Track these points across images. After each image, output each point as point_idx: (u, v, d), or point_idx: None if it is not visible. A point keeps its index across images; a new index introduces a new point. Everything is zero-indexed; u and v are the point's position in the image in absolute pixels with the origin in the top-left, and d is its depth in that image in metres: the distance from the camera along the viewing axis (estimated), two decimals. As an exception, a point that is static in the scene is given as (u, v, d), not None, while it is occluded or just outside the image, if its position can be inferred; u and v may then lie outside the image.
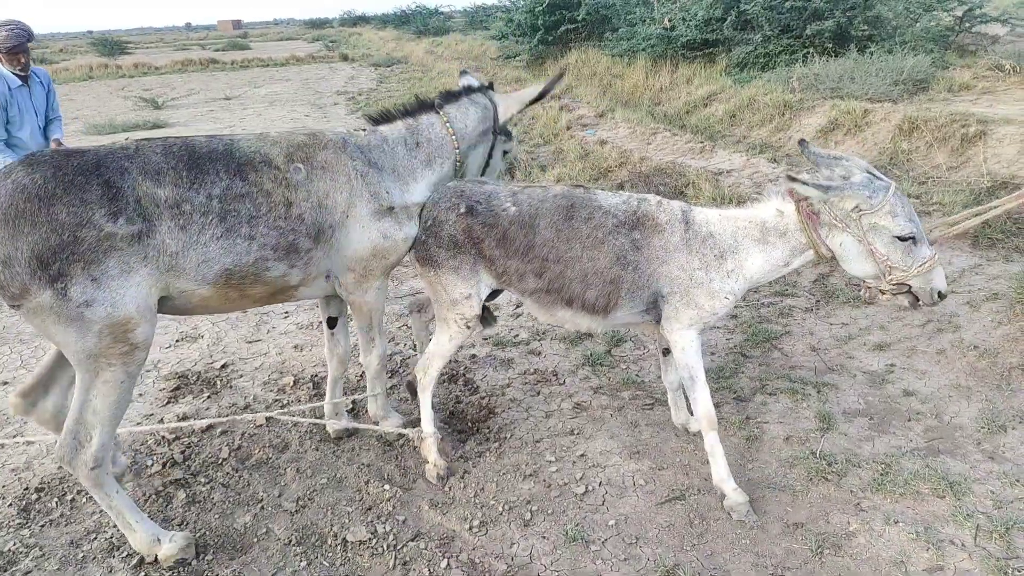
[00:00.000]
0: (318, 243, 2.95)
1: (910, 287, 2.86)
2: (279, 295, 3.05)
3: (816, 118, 9.40)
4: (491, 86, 3.63)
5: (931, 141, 7.61)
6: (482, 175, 3.59)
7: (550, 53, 18.63)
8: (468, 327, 3.26)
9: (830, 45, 11.87)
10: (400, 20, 48.21)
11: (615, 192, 3.27)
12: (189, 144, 2.77)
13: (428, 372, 3.40)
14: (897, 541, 2.83)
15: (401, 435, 3.63)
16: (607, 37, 16.56)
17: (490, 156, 3.56)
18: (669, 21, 14.16)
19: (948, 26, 12.84)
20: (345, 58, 31.30)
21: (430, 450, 3.38)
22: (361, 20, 74.44)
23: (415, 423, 3.59)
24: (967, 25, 13.05)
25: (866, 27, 12.26)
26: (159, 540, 2.84)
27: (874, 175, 2.81)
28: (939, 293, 2.87)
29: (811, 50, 11.87)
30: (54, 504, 3.26)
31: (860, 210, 2.76)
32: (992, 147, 7.17)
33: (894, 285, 2.85)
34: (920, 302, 2.91)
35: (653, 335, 3.51)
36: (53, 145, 5.04)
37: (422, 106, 3.39)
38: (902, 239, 2.76)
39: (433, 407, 3.90)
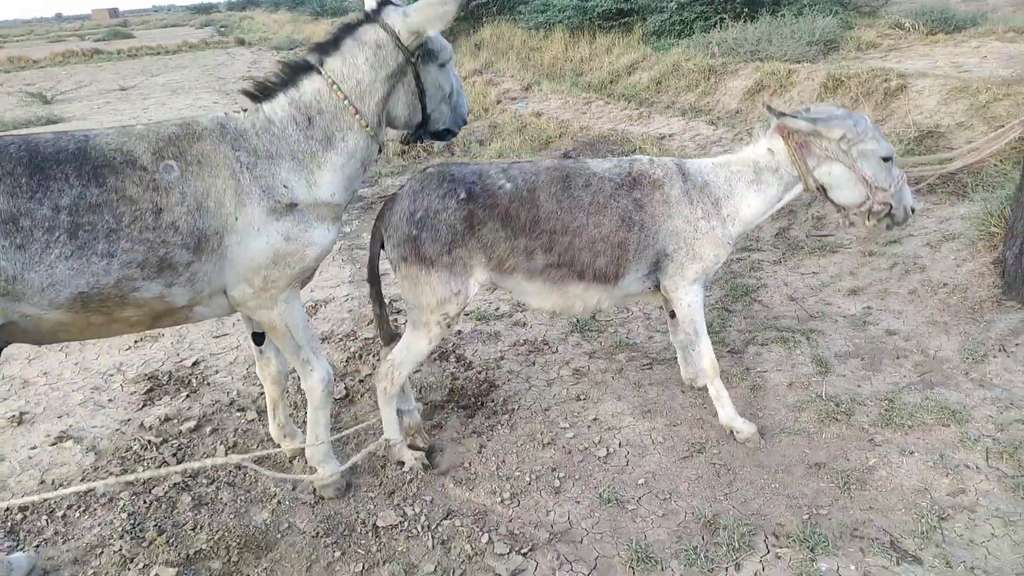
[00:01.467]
0: (201, 254, 2.41)
1: (890, 206, 3.02)
2: (167, 318, 2.54)
3: (741, 80, 9.64)
4: (383, 5, 2.72)
5: (856, 96, 7.93)
6: (424, 108, 2.85)
7: (461, 29, 18.35)
8: (450, 327, 3.01)
9: (744, 10, 12.19)
10: (294, 2, 46.53)
11: (604, 158, 3.23)
12: (32, 143, 2.25)
13: (395, 381, 3.06)
14: (916, 470, 2.95)
15: (368, 455, 3.23)
16: (519, 11, 16.47)
17: (421, 92, 2.80)
18: (583, -9, 14.20)
19: (845, -12, 13.44)
20: (242, 42, 29.98)
21: (402, 453, 3.20)
22: (251, 3, 71.49)
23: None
24: (862, -13, 13.71)
25: (772, -8, 12.69)
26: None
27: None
28: (912, 209, 3.10)
29: (725, 16, 12.18)
30: (44, 522, 3.00)
31: (848, 139, 2.91)
32: (913, 99, 7.54)
33: (881, 205, 3.01)
34: (896, 222, 3.12)
35: (653, 303, 3.50)
36: None
37: (298, 69, 2.66)
38: (886, 159, 2.96)
39: (431, 386, 3.83)
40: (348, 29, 2.70)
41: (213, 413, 3.74)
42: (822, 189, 3.07)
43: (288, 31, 33.17)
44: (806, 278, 4.74)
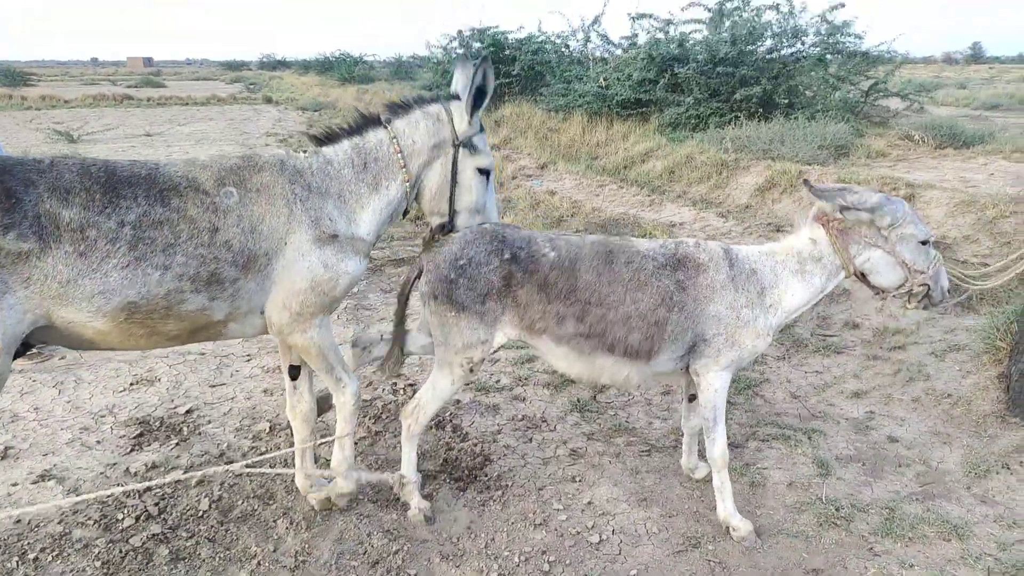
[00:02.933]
0: (248, 272, 2.66)
1: (928, 288, 3.04)
2: (200, 333, 2.72)
3: (752, 177, 9.84)
4: (458, 97, 3.12)
5: (865, 202, 8.08)
6: (451, 198, 3.13)
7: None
8: (472, 371, 3.15)
9: (758, 110, 12.55)
10: (323, 66, 47.97)
11: (649, 239, 3.26)
12: (111, 166, 2.51)
13: (419, 419, 3.22)
14: (916, 585, 2.86)
15: (380, 483, 3.35)
16: (542, 92, 16.98)
17: (455, 173, 3.10)
18: (604, 80, 14.67)
19: (857, 98, 13.87)
20: (269, 100, 30.86)
21: (412, 495, 3.27)
22: (281, 64, 73.85)
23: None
24: (872, 98, 14.15)
25: (787, 96, 13.10)
26: None
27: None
28: (947, 290, 3.11)
29: (740, 114, 12.53)
30: (14, 563, 2.90)
31: (891, 225, 2.93)
32: (921, 208, 7.67)
33: (920, 287, 3.03)
34: (933, 302, 3.12)
35: (680, 383, 3.48)
36: None
37: (368, 122, 3.03)
38: (924, 243, 2.99)
39: (424, 454, 3.77)
40: (420, 101, 3.11)
41: (201, 464, 3.68)
42: (861, 275, 3.09)
43: (315, 93, 34.13)
44: (809, 376, 4.72)
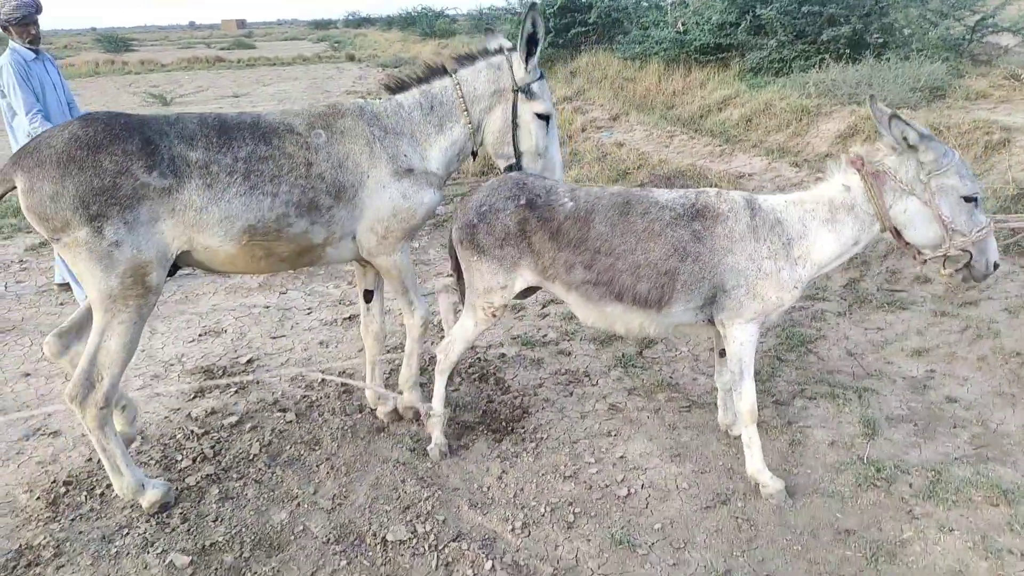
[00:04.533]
0: (340, 201, 3.10)
1: (970, 256, 2.85)
2: (305, 255, 3.17)
3: (834, 123, 9.34)
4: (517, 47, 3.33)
5: (954, 147, 7.54)
6: (514, 141, 3.40)
7: (560, 56, 18.56)
8: (494, 316, 3.28)
9: (846, 51, 11.81)
10: (405, 22, 48.10)
11: (671, 190, 3.21)
12: (222, 116, 3.02)
13: (448, 355, 3.43)
14: (954, 550, 2.75)
15: (416, 410, 3.68)
16: (619, 40, 16.49)
17: (515, 117, 3.36)
18: (682, 25, 14.12)
19: (961, 35, 12.83)
20: (351, 58, 31.31)
21: (436, 428, 3.47)
22: (366, 21, 74.50)
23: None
24: (979, 35, 13.05)
25: (880, 35, 12.24)
26: (143, 487, 3.06)
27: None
28: (995, 264, 2.89)
29: (826, 56, 11.82)
30: (83, 498, 3.19)
31: (930, 170, 2.76)
32: (1016, 154, 7.11)
33: (957, 251, 2.84)
34: (973, 275, 2.94)
35: (705, 336, 3.42)
36: None
37: (434, 72, 3.41)
38: (967, 199, 2.78)
39: (465, 406, 3.87)
40: (484, 53, 3.43)
41: (256, 411, 3.89)
42: (896, 232, 2.93)
43: (396, 49, 34.40)
44: (869, 333, 4.52)
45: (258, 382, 4.22)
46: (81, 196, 2.65)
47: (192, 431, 3.67)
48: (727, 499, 3.12)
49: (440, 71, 3.39)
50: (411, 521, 3.03)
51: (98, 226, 2.68)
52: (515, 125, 3.39)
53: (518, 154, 3.44)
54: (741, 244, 2.94)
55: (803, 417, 3.69)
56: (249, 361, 4.49)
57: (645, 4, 16.88)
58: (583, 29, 17.51)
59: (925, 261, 2.97)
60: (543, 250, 3.07)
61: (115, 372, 2.88)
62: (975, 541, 2.77)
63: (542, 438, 3.59)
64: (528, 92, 3.35)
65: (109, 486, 3.24)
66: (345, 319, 5.09)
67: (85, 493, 3.21)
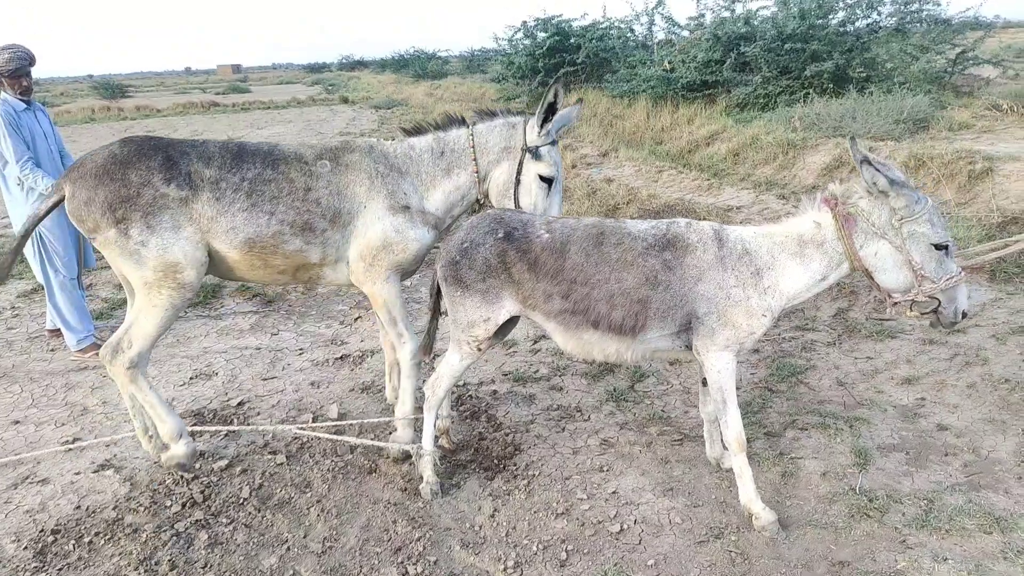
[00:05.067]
0: (334, 225, 3.38)
1: (938, 303, 2.87)
2: (303, 272, 3.47)
3: (820, 156, 9.49)
4: (551, 112, 3.51)
5: (938, 177, 7.66)
6: (515, 197, 3.59)
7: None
8: (479, 349, 3.31)
9: (830, 86, 12.05)
10: (398, 64, 48.98)
11: (643, 220, 3.28)
12: (242, 143, 3.43)
13: (436, 392, 3.45)
14: (948, 579, 2.74)
15: (407, 454, 3.67)
16: (607, 79, 16.82)
17: (519, 175, 3.57)
18: (669, 63, 14.40)
19: (942, 68, 13.09)
20: (345, 100, 31.67)
21: (426, 467, 3.47)
22: (359, 64, 75.65)
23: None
24: (960, 67, 13.32)
25: (863, 69, 12.49)
26: (180, 436, 3.51)
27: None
28: (963, 312, 2.92)
29: (810, 91, 12.06)
30: (71, 547, 3.15)
31: (902, 216, 2.79)
32: (999, 183, 7.22)
33: (925, 298, 2.86)
34: (942, 321, 2.96)
35: (686, 360, 3.44)
36: None
37: (452, 121, 3.67)
38: (938, 247, 2.81)
39: (457, 444, 3.85)
40: (507, 112, 3.69)
41: (246, 454, 3.87)
42: (867, 272, 2.97)
43: (389, 91, 34.87)
44: (859, 363, 4.54)
45: (249, 424, 4.20)
46: (109, 202, 3.13)
47: (182, 476, 3.65)
48: (720, 533, 3.11)
49: (459, 121, 3.64)
50: (402, 563, 3.00)
51: (124, 228, 3.15)
52: (518, 182, 3.58)
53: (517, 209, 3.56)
54: (710, 273, 3.00)
55: (795, 448, 3.69)
56: (240, 403, 4.48)
57: (632, 44, 17.21)
58: (572, 68, 17.84)
59: (896, 303, 2.99)
60: (522, 281, 3.14)
61: (143, 344, 3.32)
62: (969, 570, 2.75)
63: (534, 475, 3.58)
64: (536, 154, 3.55)
65: (98, 534, 3.21)
66: (336, 359, 5.09)
67: (73, 542, 3.17)
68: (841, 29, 12.81)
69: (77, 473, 3.72)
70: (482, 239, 3.17)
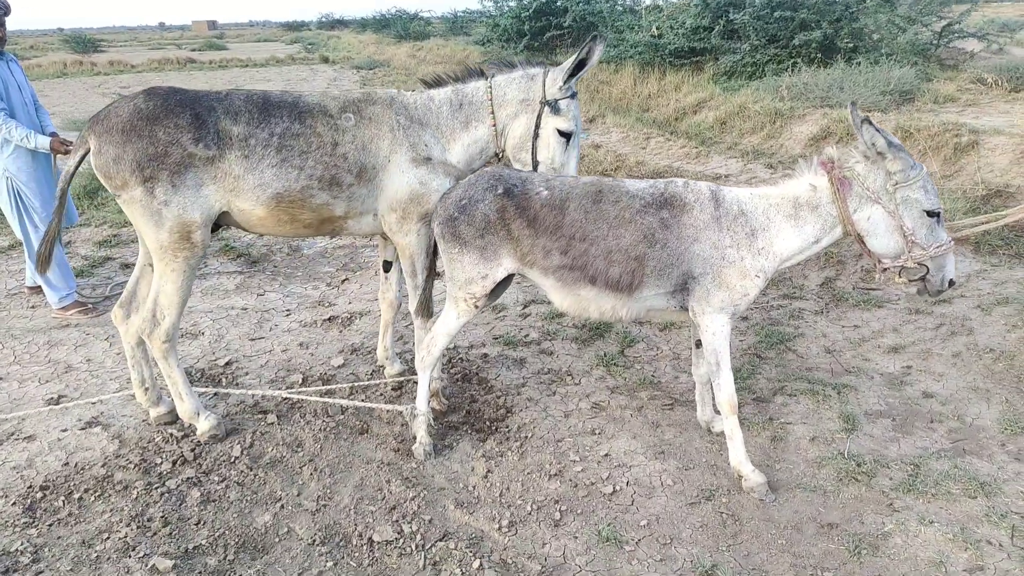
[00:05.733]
0: (360, 180, 3.37)
1: (927, 270, 2.91)
2: (327, 224, 3.46)
3: (807, 126, 9.49)
4: (583, 64, 3.41)
5: (924, 150, 7.70)
6: (533, 150, 3.50)
7: (536, 59, 18.63)
8: (476, 307, 3.30)
9: (817, 55, 12.01)
10: (380, 24, 47.95)
11: (642, 180, 3.27)
12: (267, 95, 3.33)
13: (432, 351, 3.43)
14: (934, 541, 2.80)
15: (398, 412, 3.71)
16: (594, 44, 16.60)
17: (538, 128, 3.48)
18: (657, 29, 14.25)
19: (928, 40, 13.09)
20: (326, 60, 31.05)
21: (420, 427, 3.46)
22: (339, 23, 74.06)
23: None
24: (946, 40, 13.33)
25: (850, 39, 12.45)
26: (199, 414, 3.56)
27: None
28: (950, 281, 2.97)
29: (798, 60, 12.01)
30: (61, 503, 3.12)
31: (896, 181, 2.82)
32: (984, 156, 7.28)
33: (914, 265, 2.90)
34: (927, 289, 3.01)
35: (679, 322, 3.44)
36: (54, 141, 4.81)
37: (472, 73, 3.63)
38: (930, 214, 2.85)
39: (451, 406, 3.85)
40: (525, 64, 3.58)
41: (236, 414, 3.84)
42: (859, 237, 2.99)
43: (371, 51, 34.21)
44: (846, 331, 4.59)
45: (237, 384, 4.17)
46: (138, 160, 3.07)
47: (171, 434, 3.61)
48: (711, 495, 3.15)
49: (478, 73, 3.60)
50: (397, 521, 3.01)
51: (150, 187, 3.10)
52: (536, 136, 3.50)
53: (535, 163, 3.53)
54: (706, 233, 3.01)
55: (784, 414, 3.73)
56: (228, 363, 4.43)
57: (620, 8, 17.00)
58: (558, 32, 17.62)
59: (885, 269, 3.02)
60: (521, 237, 3.13)
61: (174, 312, 3.35)
62: (955, 533, 2.82)
63: (526, 437, 3.59)
64: (555, 107, 3.46)
65: (87, 490, 3.18)
66: (325, 320, 5.05)
67: (63, 498, 3.14)
68: (830, -1, 12.72)
69: (64, 430, 3.68)
70: (481, 195, 3.15)
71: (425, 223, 3.51)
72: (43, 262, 3.43)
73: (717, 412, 3.55)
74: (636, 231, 3.02)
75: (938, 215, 2.87)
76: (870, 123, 2.79)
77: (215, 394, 4.05)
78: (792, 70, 11.66)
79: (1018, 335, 4.03)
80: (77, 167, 3.30)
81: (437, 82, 3.63)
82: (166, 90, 3.22)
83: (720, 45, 13.15)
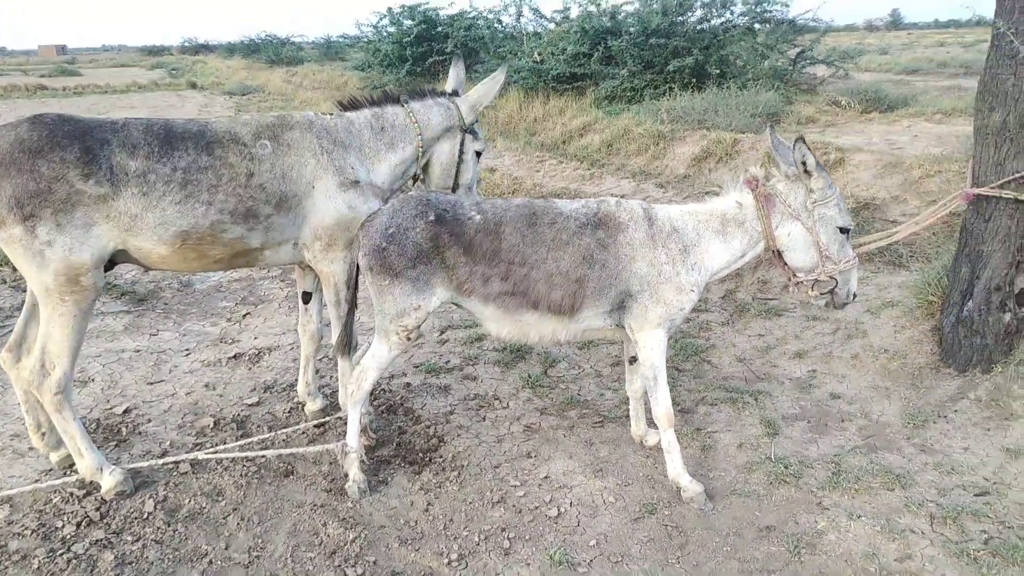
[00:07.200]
0: (280, 209, 3.22)
1: (835, 283, 3.12)
2: (241, 258, 3.29)
3: (688, 147, 9.95)
4: (456, 92, 3.83)
5: (797, 167, 8.24)
6: (456, 174, 3.77)
7: (418, 84, 18.61)
8: (409, 339, 3.19)
9: (691, 81, 12.68)
10: (249, 49, 46.40)
11: (573, 200, 3.30)
12: (169, 124, 3.11)
13: (362, 385, 3.28)
14: (864, 535, 2.95)
15: (328, 452, 3.50)
16: (476, 69, 16.78)
17: (461, 152, 3.74)
18: (539, 55, 14.59)
19: (785, 66, 14.14)
20: (193, 86, 29.74)
21: (352, 464, 3.31)
22: (204, 48, 71.23)
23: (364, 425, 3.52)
24: (800, 66, 14.45)
25: (719, 65, 13.25)
26: (102, 469, 3.23)
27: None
28: (853, 294, 3.21)
29: (673, 85, 12.63)
30: (-53, 583, 2.75)
31: (815, 199, 2.98)
32: (850, 172, 7.88)
33: (825, 278, 3.10)
34: (834, 302, 3.22)
35: (618, 338, 3.48)
36: None
37: (387, 98, 3.67)
38: (842, 230, 3.06)
39: (380, 440, 3.72)
40: (434, 93, 3.74)
41: (143, 466, 3.53)
42: (777, 252, 3.15)
43: (242, 76, 33.08)
44: (753, 340, 4.81)
45: (140, 432, 3.84)
46: (17, 197, 2.81)
47: (71, 493, 3.28)
48: (654, 508, 3.19)
49: (393, 99, 3.66)
50: (340, 566, 2.86)
51: (31, 226, 2.84)
52: (460, 160, 3.75)
53: (456, 186, 3.79)
54: (642, 251, 3.09)
55: (708, 423, 3.85)
56: (126, 411, 4.09)
57: (501, 35, 17.29)
58: (440, 58, 17.66)
59: (799, 283, 3.21)
60: (457, 264, 3.06)
61: (65, 360, 3.06)
62: (881, 525, 2.99)
63: (463, 465, 3.52)
64: (473, 132, 3.79)
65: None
66: (230, 358, 4.77)
67: (-51, 576, 2.77)
68: (699, 27, 13.50)
69: (-59, 499, 3.26)
70: (411, 223, 3.05)
71: (349, 251, 3.41)
72: None
73: (651, 426, 3.61)
74: (575, 253, 3.03)
75: (848, 232, 3.07)
76: (803, 143, 2.95)
77: (116, 445, 3.71)
78: (668, 94, 12.25)
79: (907, 335, 4.36)
80: None
81: (353, 104, 3.62)
82: (54, 118, 2.95)
83: (599, 71, 13.60)
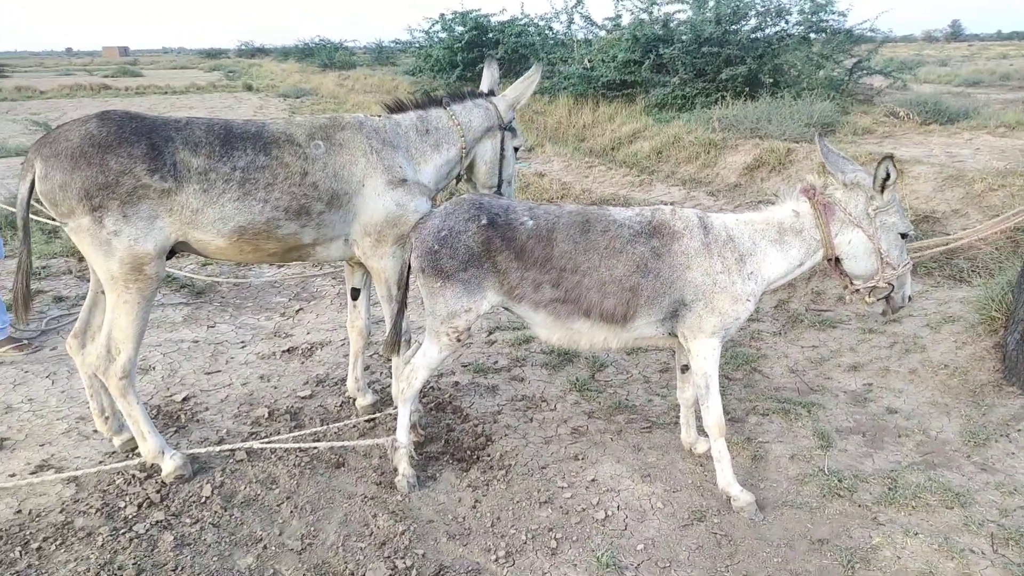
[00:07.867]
0: (332, 207, 3.31)
1: (891, 288, 3.10)
2: (293, 252, 3.39)
3: (741, 156, 9.85)
4: (492, 92, 3.96)
5: (853, 178, 8.09)
6: (500, 169, 3.91)
7: (458, 87, 18.75)
8: (459, 340, 3.21)
9: (744, 89, 12.54)
10: (303, 53, 47.38)
11: (626, 207, 3.30)
12: (229, 124, 3.22)
13: (412, 384, 3.31)
14: (921, 552, 2.89)
15: (379, 446, 3.60)
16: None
17: (503, 150, 3.88)
18: (589, 62, 14.60)
19: (841, 76, 13.89)
20: (249, 88, 30.46)
21: (401, 459, 3.35)
22: (260, 51, 72.74)
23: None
24: (856, 76, 14.18)
25: (772, 75, 13.08)
26: (163, 453, 3.35)
27: None
28: (908, 297, 3.18)
29: (725, 93, 12.51)
30: (17, 553, 2.87)
31: (877, 207, 2.95)
32: (909, 184, 7.70)
33: (886, 284, 3.07)
34: (890, 306, 3.20)
35: (669, 346, 3.46)
36: None
37: (430, 101, 3.79)
38: (903, 236, 3.03)
39: (428, 437, 3.76)
40: (473, 94, 3.85)
41: (201, 451, 3.63)
42: (836, 260, 3.11)
43: (296, 80, 33.75)
44: (806, 351, 4.74)
45: (197, 420, 3.95)
46: (86, 189, 2.92)
47: (133, 475, 3.39)
48: (703, 516, 3.16)
49: (436, 102, 3.77)
50: (389, 557, 2.90)
51: (99, 216, 2.95)
52: (502, 157, 3.89)
53: (500, 182, 3.93)
54: (697, 260, 3.06)
55: (760, 433, 3.80)
56: (185, 399, 4.21)
57: (551, 41, 17.34)
58: (491, 63, 17.77)
59: (857, 291, 3.17)
60: (508, 269, 3.07)
61: (130, 346, 3.17)
62: (939, 543, 2.92)
63: (510, 465, 3.54)
64: (512, 130, 3.90)
65: (46, 539, 2.94)
66: (284, 352, 4.87)
67: (19, 548, 2.89)
68: (753, 36, 13.35)
69: (12, 475, 3.40)
70: (463, 226, 3.06)
71: (400, 247, 3.49)
72: (22, 298, 3.20)
73: (701, 434, 3.58)
74: (628, 261, 3.02)
75: (908, 236, 3.03)
76: (891, 160, 2.93)
77: (175, 431, 3.83)
78: (720, 102, 12.14)
79: (968, 351, 4.25)
80: (30, 193, 3.03)
81: (399, 107, 3.74)
82: (121, 115, 3.06)
83: (650, 78, 13.55)
